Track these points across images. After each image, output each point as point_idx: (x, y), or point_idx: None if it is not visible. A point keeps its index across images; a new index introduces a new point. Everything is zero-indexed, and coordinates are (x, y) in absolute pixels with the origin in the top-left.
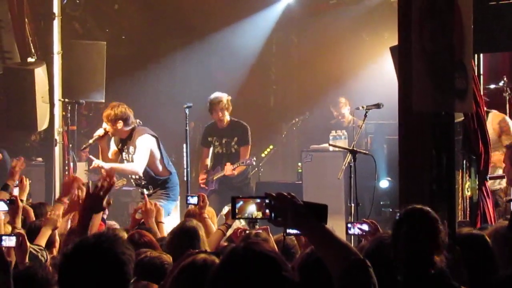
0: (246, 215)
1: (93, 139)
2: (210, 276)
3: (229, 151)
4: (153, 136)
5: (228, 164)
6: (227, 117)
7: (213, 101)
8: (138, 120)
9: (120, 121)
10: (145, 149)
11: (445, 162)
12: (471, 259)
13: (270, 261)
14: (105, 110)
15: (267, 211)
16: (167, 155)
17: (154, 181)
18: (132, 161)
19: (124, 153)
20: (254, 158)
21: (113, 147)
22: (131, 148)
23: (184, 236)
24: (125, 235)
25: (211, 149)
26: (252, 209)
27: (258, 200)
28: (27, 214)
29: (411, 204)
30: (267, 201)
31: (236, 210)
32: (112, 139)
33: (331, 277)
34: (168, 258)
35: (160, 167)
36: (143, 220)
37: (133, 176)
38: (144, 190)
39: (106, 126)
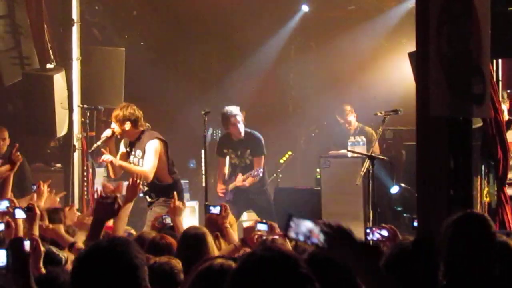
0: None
1: (101, 140)
2: (229, 279)
3: (244, 163)
4: (163, 140)
5: (239, 175)
6: (241, 129)
7: (227, 116)
8: (147, 124)
9: (128, 122)
10: (154, 154)
11: (463, 168)
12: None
13: (290, 262)
14: (114, 110)
15: (321, 236)
16: (173, 161)
17: (156, 188)
18: (139, 165)
19: (131, 156)
20: (261, 170)
21: (122, 149)
22: (139, 152)
23: (191, 242)
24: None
25: (227, 158)
26: (305, 229)
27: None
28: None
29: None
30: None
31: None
32: (122, 141)
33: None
34: (177, 263)
35: (165, 173)
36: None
37: None
38: (147, 197)
39: (114, 126)
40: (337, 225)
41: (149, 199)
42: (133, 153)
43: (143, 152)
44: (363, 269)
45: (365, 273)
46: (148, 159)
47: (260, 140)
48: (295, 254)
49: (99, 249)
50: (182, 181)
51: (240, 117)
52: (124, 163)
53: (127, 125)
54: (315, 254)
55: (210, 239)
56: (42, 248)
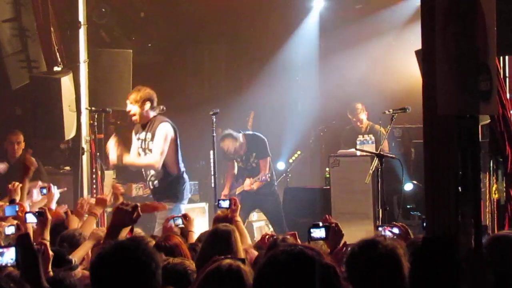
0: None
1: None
2: (257, 272)
3: (249, 166)
4: (173, 127)
5: (247, 179)
6: (241, 150)
7: (224, 142)
8: (162, 106)
9: (148, 102)
10: (163, 139)
11: (471, 165)
12: (503, 263)
13: (314, 253)
14: (131, 94)
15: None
16: (181, 152)
17: (164, 176)
18: (149, 149)
19: (140, 141)
20: (269, 174)
21: (134, 151)
22: (149, 135)
23: (217, 243)
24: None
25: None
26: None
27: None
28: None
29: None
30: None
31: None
32: (133, 133)
33: None
34: (190, 263)
35: (173, 161)
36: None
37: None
38: (150, 184)
39: (132, 108)
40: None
41: (151, 186)
42: (142, 137)
43: (153, 135)
44: None
45: None
46: (157, 145)
47: (264, 141)
48: (317, 251)
49: (119, 249)
50: (192, 182)
51: (238, 145)
52: (130, 160)
53: (147, 105)
54: None
55: (236, 235)
56: (51, 252)
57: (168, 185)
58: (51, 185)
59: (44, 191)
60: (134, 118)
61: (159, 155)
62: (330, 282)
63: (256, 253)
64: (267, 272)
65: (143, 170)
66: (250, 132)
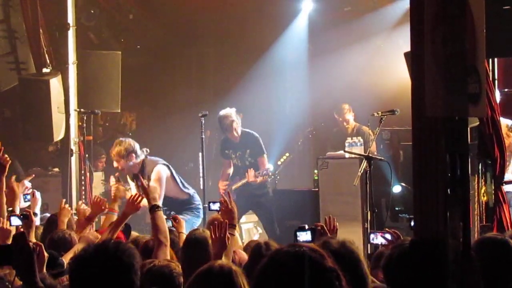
0: None
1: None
2: (257, 273)
3: (244, 163)
4: (165, 164)
5: (250, 170)
6: (239, 131)
7: (223, 120)
8: (145, 149)
9: (132, 153)
10: (158, 181)
11: (459, 167)
12: (491, 266)
13: (317, 255)
14: (113, 149)
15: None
16: (181, 179)
17: (176, 205)
18: None
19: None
20: (269, 169)
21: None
22: (145, 182)
23: (195, 247)
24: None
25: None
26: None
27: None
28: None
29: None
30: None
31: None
32: (129, 179)
33: None
34: (176, 266)
35: (178, 192)
36: None
37: None
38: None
39: (118, 165)
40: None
41: (170, 225)
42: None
43: (149, 180)
44: None
45: None
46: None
47: (258, 139)
48: (321, 250)
49: (97, 251)
50: None
51: (236, 123)
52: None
53: (132, 157)
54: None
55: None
56: (45, 254)
57: (180, 204)
58: (35, 191)
59: (28, 197)
60: (125, 172)
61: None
62: (332, 286)
63: (245, 255)
64: (268, 272)
65: None
66: (246, 130)
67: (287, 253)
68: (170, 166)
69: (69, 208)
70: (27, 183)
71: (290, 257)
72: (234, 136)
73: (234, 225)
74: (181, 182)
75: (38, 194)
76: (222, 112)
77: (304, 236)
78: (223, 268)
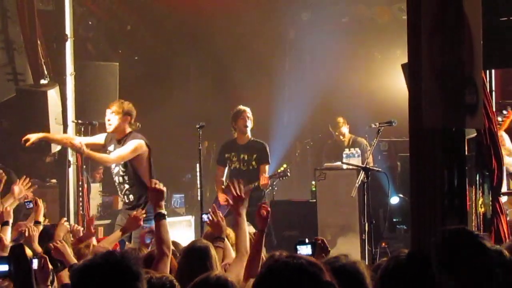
0: None
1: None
2: (254, 284)
3: (248, 167)
4: (148, 145)
5: (262, 174)
6: (249, 132)
7: (239, 110)
8: (138, 123)
9: (129, 116)
10: (130, 149)
11: (457, 178)
12: None
13: (315, 269)
14: (113, 104)
15: None
16: (155, 171)
17: (136, 180)
18: None
19: (109, 152)
20: (288, 169)
21: (99, 139)
22: (118, 147)
23: (195, 257)
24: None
25: (227, 167)
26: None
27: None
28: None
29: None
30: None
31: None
32: (105, 135)
33: None
34: (171, 277)
35: (145, 175)
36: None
37: (117, 180)
38: (125, 197)
39: (111, 117)
40: None
41: (127, 200)
42: (111, 149)
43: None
44: None
45: None
46: (120, 150)
47: (266, 147)
48: (319, 262)
49: (101, 261)
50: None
51: (250, 121)
52: (92, 153)
53: (127, 119)
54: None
55: (213, 252)
56: (50, 266)
57: (144, 202)
58: (37, 198)
59: (31, 204)
60: (110, 127)
61: (117, 157)
62: None
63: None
64: (266, 283)
65: (117, 184)
66: (254, 138)
67: (285, 264)
68: (151, 149)
69: (68, 227)
70: (16, 188)
71: (288, 268)
72: (243, 132)
73: (222, 238)
74: (154, 172)
75: (41, 202)
76: (242, 106)
77: (305, 250)
78: (220, 279)
